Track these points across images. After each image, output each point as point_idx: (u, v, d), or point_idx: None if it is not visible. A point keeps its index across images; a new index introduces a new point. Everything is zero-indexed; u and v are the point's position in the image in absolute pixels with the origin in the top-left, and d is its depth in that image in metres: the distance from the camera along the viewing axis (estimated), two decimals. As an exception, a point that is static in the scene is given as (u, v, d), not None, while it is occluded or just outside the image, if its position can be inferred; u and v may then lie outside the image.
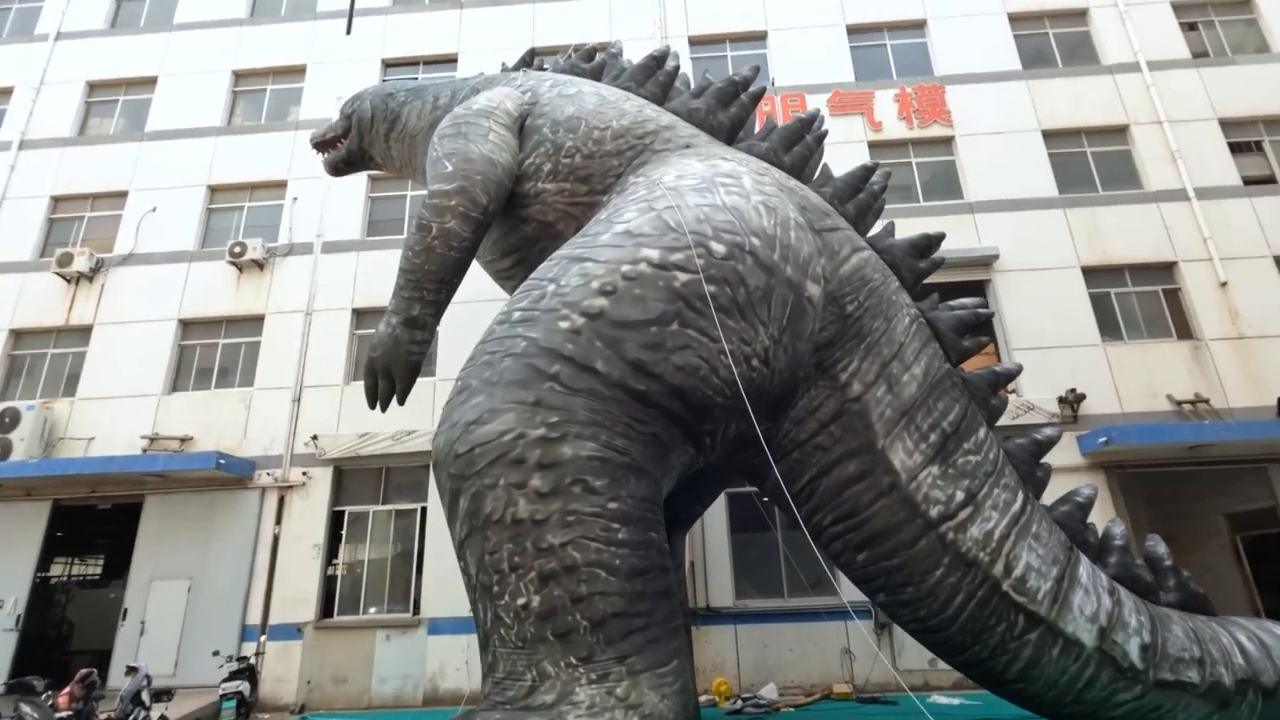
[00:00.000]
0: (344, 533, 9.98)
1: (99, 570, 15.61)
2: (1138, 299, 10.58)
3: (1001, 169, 11.34)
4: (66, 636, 12.45)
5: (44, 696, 5.85)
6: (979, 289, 10.55)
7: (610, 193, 5.22)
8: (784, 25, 12.85)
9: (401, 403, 5.29)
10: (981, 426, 4.72)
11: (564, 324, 3.75)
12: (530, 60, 7.16)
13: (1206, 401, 9.54)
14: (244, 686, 7.63)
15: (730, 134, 5.75)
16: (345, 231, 11.76)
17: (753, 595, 9.29)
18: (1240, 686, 4.26)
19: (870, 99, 11.97)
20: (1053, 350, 10.02)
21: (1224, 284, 10.33)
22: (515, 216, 5.57)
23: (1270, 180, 11.18)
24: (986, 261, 10.59)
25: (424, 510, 9.87)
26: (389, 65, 13.34)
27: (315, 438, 10.09)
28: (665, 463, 3.96)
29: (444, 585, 9.23)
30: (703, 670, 8.64)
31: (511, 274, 6.05)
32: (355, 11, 13.69)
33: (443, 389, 9.88)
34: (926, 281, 5.15)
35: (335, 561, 9.89)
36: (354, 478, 10.28)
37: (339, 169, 7.63)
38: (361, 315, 11.19)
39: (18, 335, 11.46)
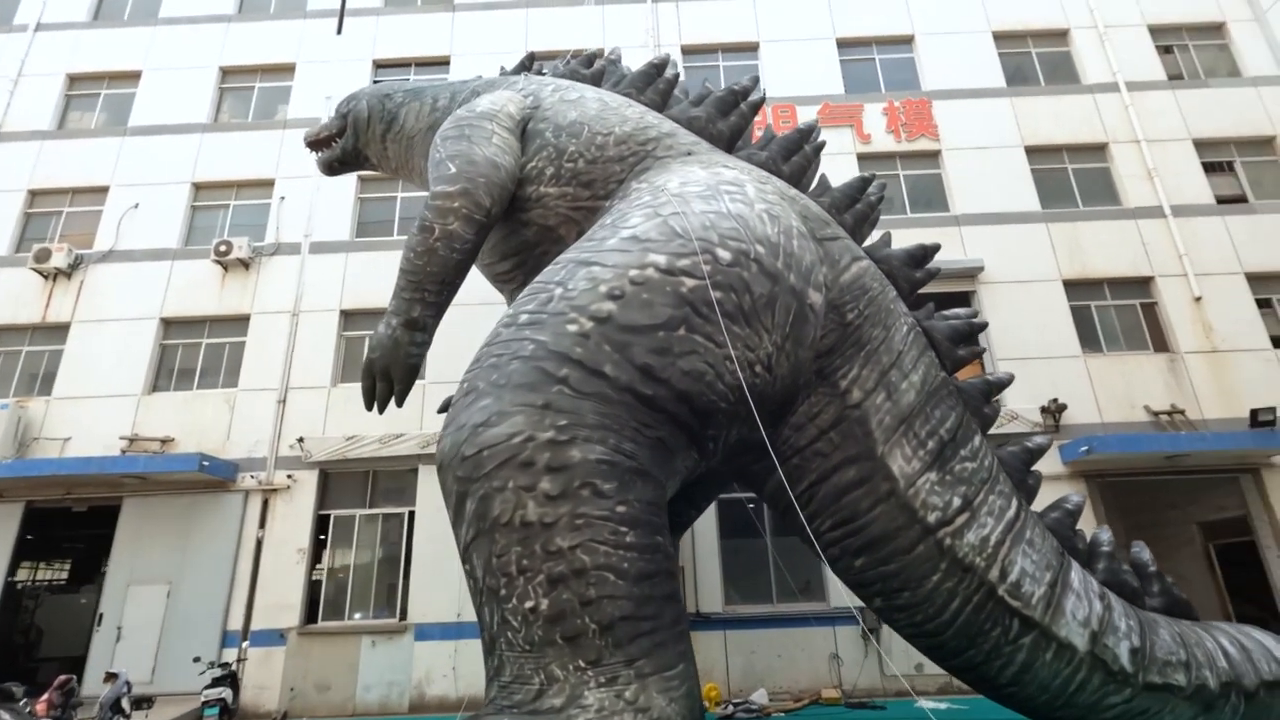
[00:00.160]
0: (329, 537, 9.83)
1: (69, 574, 15.15)
2: (1116, 312, 10.88)
3: (986, 183, 11.61)
4: (34, 643, 12.05)
5: (22, 703, 5.66)
6: (964, 300, 10.77)
7: (612, 198, 5.25)
8: (775, 37, 13.04)
9: (400, 405, 5.25)
10: (977, 434, 4.82)
11: (572, 327, 3.75)
12: (529, 64, 7.18)
13: (1182, 413, 9.83)
14: (226, 694, 7.45)
15: (729, 142, 5.82)
16: (333, 232, 11.63)
17: (742, 601, 9.33)
18: (1224, 689, 4.38)
19: (859, 112, 12.19)
20: (1035, 361, 10.25)
21: (1198, 299, 10.67)
22: (516, 220, 5.56)
23: (1242, 200, 11.59)
24: (972, 273, 10.82)
25: (411, 514, 9.76)
26: (380, 66, 13.27)
27: (301, 440, 9.93)
28: (670, 467, 3.97)
29: (431, 591, 9.14)
30: (692, 676, 8.62)
31: (510, 277, 6.04)
32: (346, 11, 13.59)
33: (432, 392, 9.80)
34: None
35: (320, 566, 9.72)
36: (340, 481, 10.13)
37: (333, 168, 7.56)
38: (349, 317, 11.07)
39: (-9, 332, 11.14)
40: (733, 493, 8.37)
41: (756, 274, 4.17)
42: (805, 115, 11.91)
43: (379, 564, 9.67)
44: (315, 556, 9.74)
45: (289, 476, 9.86)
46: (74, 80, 13.31)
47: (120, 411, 10.26)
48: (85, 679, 8.47)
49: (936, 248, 5.50)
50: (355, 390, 10.46)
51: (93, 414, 10.25)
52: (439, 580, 9.20)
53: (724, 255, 4.13)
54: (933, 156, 11.92)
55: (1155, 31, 12.88)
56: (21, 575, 14.09)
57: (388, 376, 5.07)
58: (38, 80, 13.11)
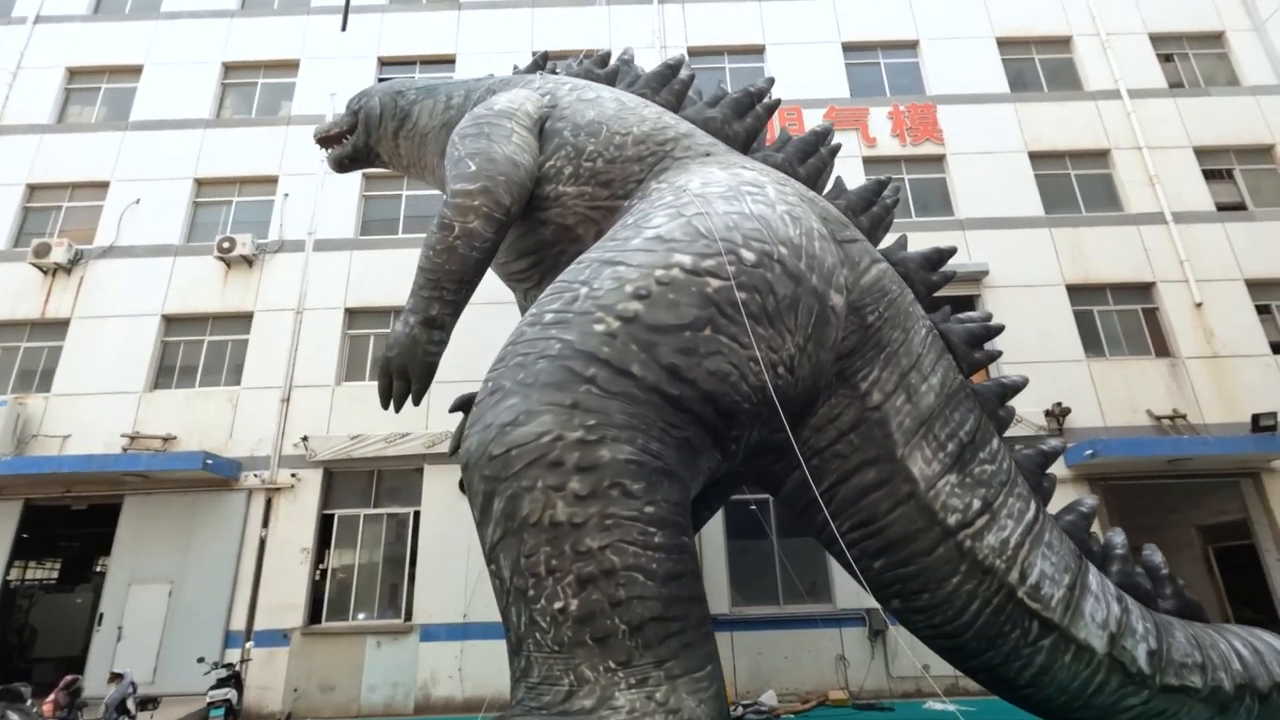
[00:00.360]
0: (333, 536, 9.75)
1: (70, 573, 14.99)
2: (1119, 317, 10.97)
3: (990, 188, 11.68)
4: (28, 643, 11.87)
5: (29, 704, 5.59)
6: (969, 304, 10.83)
7: (631, 198, 5.25)
8: (781, 40, 13.08)
9: (416, 404, 5.22)
10: (994, 437, 4.84)
11: (599, 327, 3.74)
12: (543, 63, 7.17)
13: (1184, 417, 9.91)
14: (231, 694, 7.38)
15: (745, 144, 5.83)
16: (338, 230, 11.56)
17: (749, 602, 9.33)
18: (1239, 691, 4.42)
19: (865, 115, 12.23)
20: (1039, 365, 10.31)
21: (1199, 305, 10.77)
22: (533, 219, 5.55)
23: (1241, 207, 11.72)
24: (977, 277, 10.88)
25: (416, 514, 9.71)
26: (385, 64, 13.21)
27: (305, 439, 9.86)
28: (695, 467, 3.97)
29: (437, 591, 9.09)
30: (698, 677, 8.61)
31: (525, 276, 6.02)
32: (351, 8, 13.54)
33: (439, 392, 9.71)
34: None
35: (324, 566, 9.65)
36: (344, 480, 10.06)
37: (343, 165, 7.51)
38: (354, 315, 11.01)
39: (-11, 327, 11.00)
40: (739, 494, 8.38)
41: (780, 275, 4.18)
42: (811, 118, 11.95)
43: (384, 564, 9.62)
44: (319, 556, 9.66)
45: (293, 475, 9.78)
46: (74, 74, 13.18)
47: (121, 409, 10.15)
48: (85, 679, 8.35)
49: (952, 251, 5.53)
50: (360, 389, 10.43)
51: (93, 411, 10.14)
52: (445, 581, 9.15)
53: (748, 256, 4.13)
54: (937, 160, 11.99)
55: (1156, 40, 13.01)
56: (15, 574, 13.93)
57: (405, 375, 5.04)
58: (37, 73, 12.98)
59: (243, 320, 10.87)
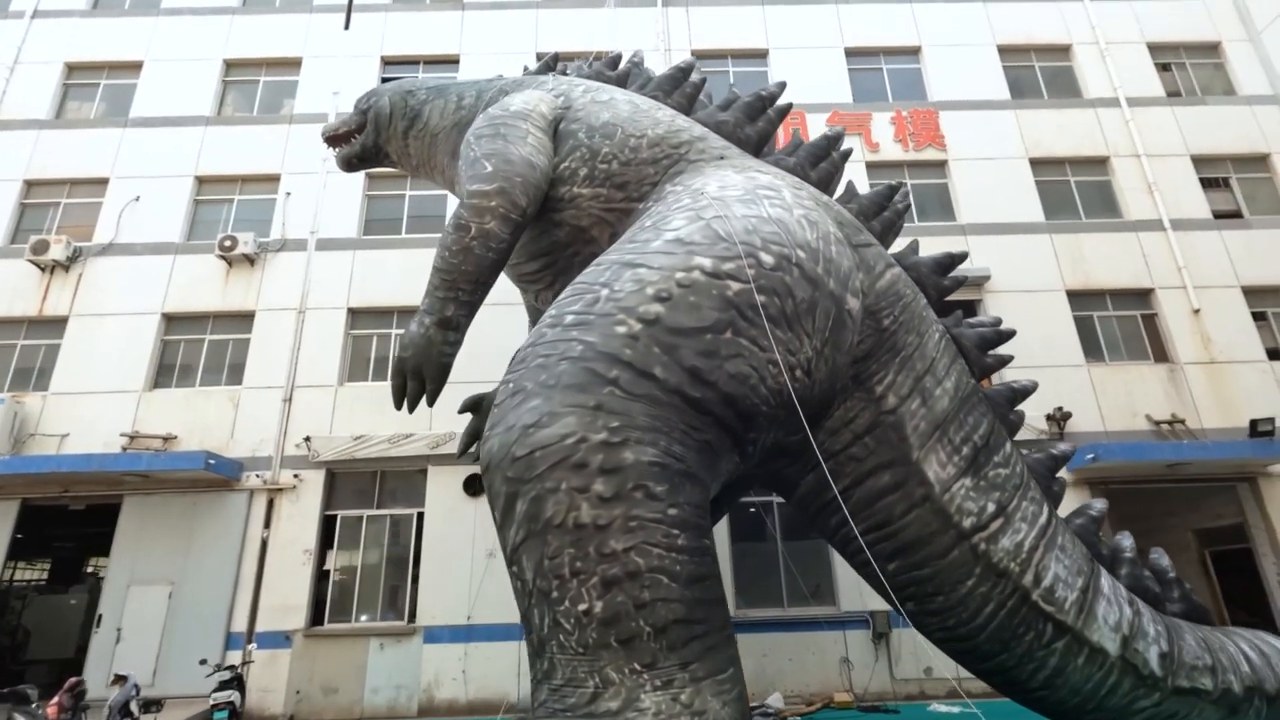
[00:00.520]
0: (336, 538, 9.69)
1: (60, 574, 14.82)
2: (1118, 322, 11.07)
3: (992, 193, 11.78)
4: (21, 645, 11.73)
5: (34, 706, 5.52)
6: (971, 308, 10.90)
7: (646, 200, 5.25)
8: (785, 45, 13.14)
9: (430, 404, 5.20)
10: (1007, 441, 4.88)
11: (621, 329, 3.74)
12: (553, 65, 7.17)
13: (1182, 422, 10.02)
14: (235, 696, 7.31)
15: (756, 147, 5.86)
16: (341, 229, 11.51)
17: (753, 605, 9.35)
18: (1248, 693, 4.47)
19: (868, 120, 12.31)
20: (1040, 369, 10.36)
21: (1197, 311, 10.89)
22: (547, 220, 5.55)
23: (1237, 215, 11.87)
24: (979, 282, 10.96)
25: (420, 515, 9.67)
26: (388, 63, 13.17)
27: (308, 439, 9.80)
28: (715, 470, 3.98)
29: (440, 593, 9.06)
30: (702, 680, 8.62)
31: (538, 278, 6.01)
32: (354, 7, 13.52)
33: (444, 392, 9.70)
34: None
35: (326, 567, 9.58)
36: (347, 481, 10.00)
37: (352, 164, 7.48)
38: (357, 315, 10.96)
39: (-15, 324, 10.88)
40: (745, 497, 8.39)
41: (798, 279, 4.19)
42: (814, 122, 12.01)
43: (387, 565, 9.56)
44: (321, 557, 9.60)
45: (295, 476, 9.71)
46: (72, 69, 13.07)
47: (120, 408, 10.06)
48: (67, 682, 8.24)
49: (964, 256, 5.58)
50: (363, 389, 10.38)
51: (91, 410, 10.04)
52: (448, 582, 9.12)
53: (767, 259, 4.14)
54: (939, 166, 12.07)
55: (1154, 49, 13.16)
56: (11, 575, 13.77)
57: (419, 375, 5.03)
58: (35, 68, 12.86)
59: (244, 319, 10.80)
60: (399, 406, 5.14)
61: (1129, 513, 11.08)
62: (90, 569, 16.82)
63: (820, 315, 4.23)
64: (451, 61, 13.07)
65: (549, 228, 5.56)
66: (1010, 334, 5.39)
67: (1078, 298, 11.06)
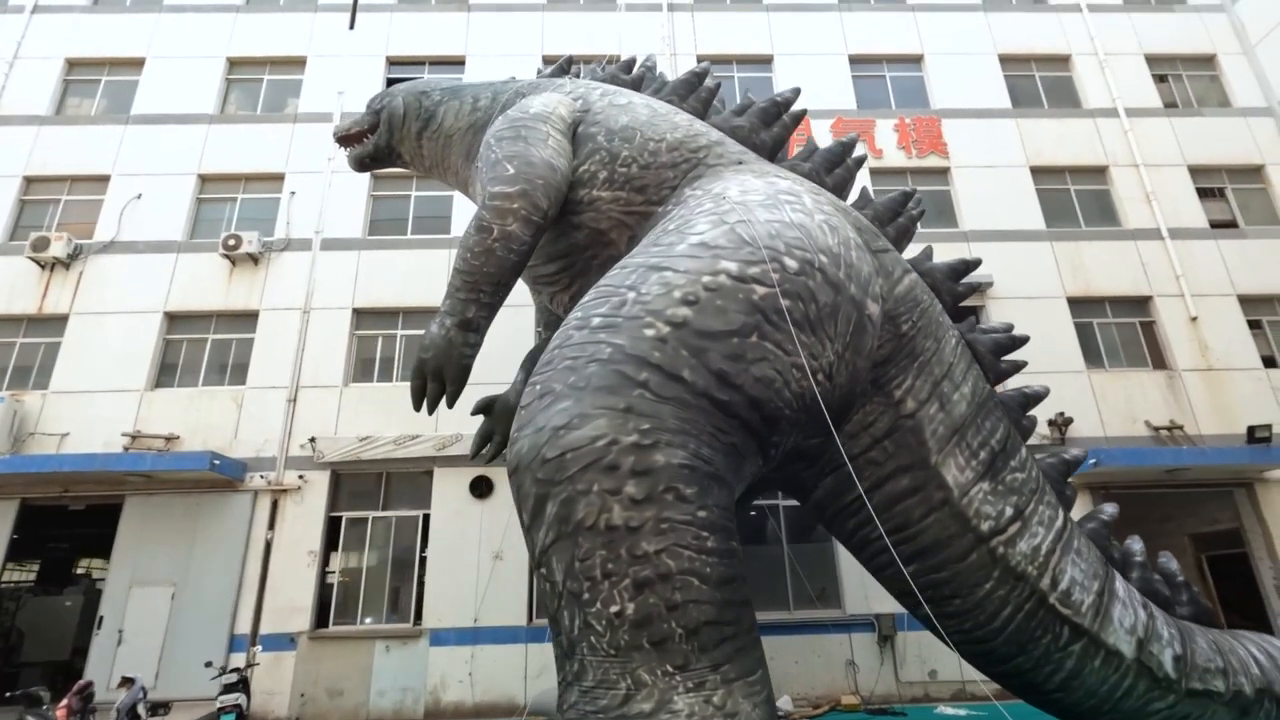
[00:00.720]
0: (341, 539, 9.64)
1: (49, 575, 14.62)
2: (1117, 330, 11.22)
3: (993, 201, 11.91)
4: (15, 647, 11.55)
5: (45, 708, 5.45)
6: (974, 315, 10.97)
7: (666, 204, 5.28)
8: (789, 51, 13.24)
9: (450, 406, 5.20)
10: (1022, 445, 4.94)
11: (649, 331, 3.76)
12: (568, 68, 7.20)
13: (1180, 428, 10.16)
14: (241, 699, 7.24)
15: (771, 153, 5.92)
16: (346, 229, 11.47)
17: (759, 608, 9.30)
18: (1258, 695, 4.54)
19: (871, 127, 12.41)
20: (1041, 375, 10.44)
21: (1194, 319, 11.05)
22: (566, 223, 5.56)
23: (1233, 225, 12.06)
24: (981, 288, 11.06)
25: (426, 517, 9.63)
26: (394, 63, 13.15)
27: (313, 440, 9.75)
28: (740, 473, 4.01)
29: (447, 595, 9.03)
30: (708, 683, 8.64)
31: (555, 280, 6.02)
32: (359, 7, 13.51)
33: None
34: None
35: (331, 569, 9.52)
36: (352, 482, 9.95)
37: (364, 164, 7.47)
38: (362, 316, 10.92)
39: (-17, 322, 10.75)
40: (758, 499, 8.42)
41: (821, 283, 4.23)
42: (818, 128, 12.09)
43: (392, 567, 9.52)
44: (326, 559, 9.54)
45: (300, 477, 9.65)
46: (73, 65, 12.96)
47: (121, 407, 9.96)
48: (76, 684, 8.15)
49: (978, 262, 5.66)
50: (368, 390, 10.34)
51: (92, 409, 9.94)
52: (455, 584, 9.09)
53: (791, 264, 4.18)
54: (942, 173, 12.19)
55: (1151, 61, 13.37)
56: (4, 576, 13.58)
57: (439, 377, 5.02)
58: (35, 64, 12.74)
59: (248, 319, 10.73)
60: (418, 408, 5.12)
61: (1126, 517, 11.13)
62: (81, 570, 16.62)
63: (842, 320, 4.27)
64: (457, 63, 13.07)
65: (567, 230, 5.57)
66: (1024, 340, 5.46)
67: (1078, 305, 11.19)
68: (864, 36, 13.36)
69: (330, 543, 9.63)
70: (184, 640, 8.67)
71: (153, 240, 11.24)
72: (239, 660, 8.42)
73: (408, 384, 10.21)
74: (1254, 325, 11.18)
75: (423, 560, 9.39)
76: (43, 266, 10.90)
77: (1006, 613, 4.44)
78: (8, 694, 5.29)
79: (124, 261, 11.05)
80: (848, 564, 9.34)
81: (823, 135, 11.76)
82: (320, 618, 9.17)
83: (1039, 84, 13.24)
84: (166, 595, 8.90)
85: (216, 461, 8.92)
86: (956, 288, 5.47)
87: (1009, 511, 4.55)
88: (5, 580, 14.61)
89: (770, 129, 5.98)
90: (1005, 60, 13.25)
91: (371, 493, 9.89)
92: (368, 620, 9.23)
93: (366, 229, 11.59)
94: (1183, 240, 11.63)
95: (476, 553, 9.23)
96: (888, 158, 12.21)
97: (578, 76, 7.00)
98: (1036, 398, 5.44)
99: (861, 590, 9.12)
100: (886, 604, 8.96)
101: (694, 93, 6.14)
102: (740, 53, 13.22)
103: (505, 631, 8.90)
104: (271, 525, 9.40)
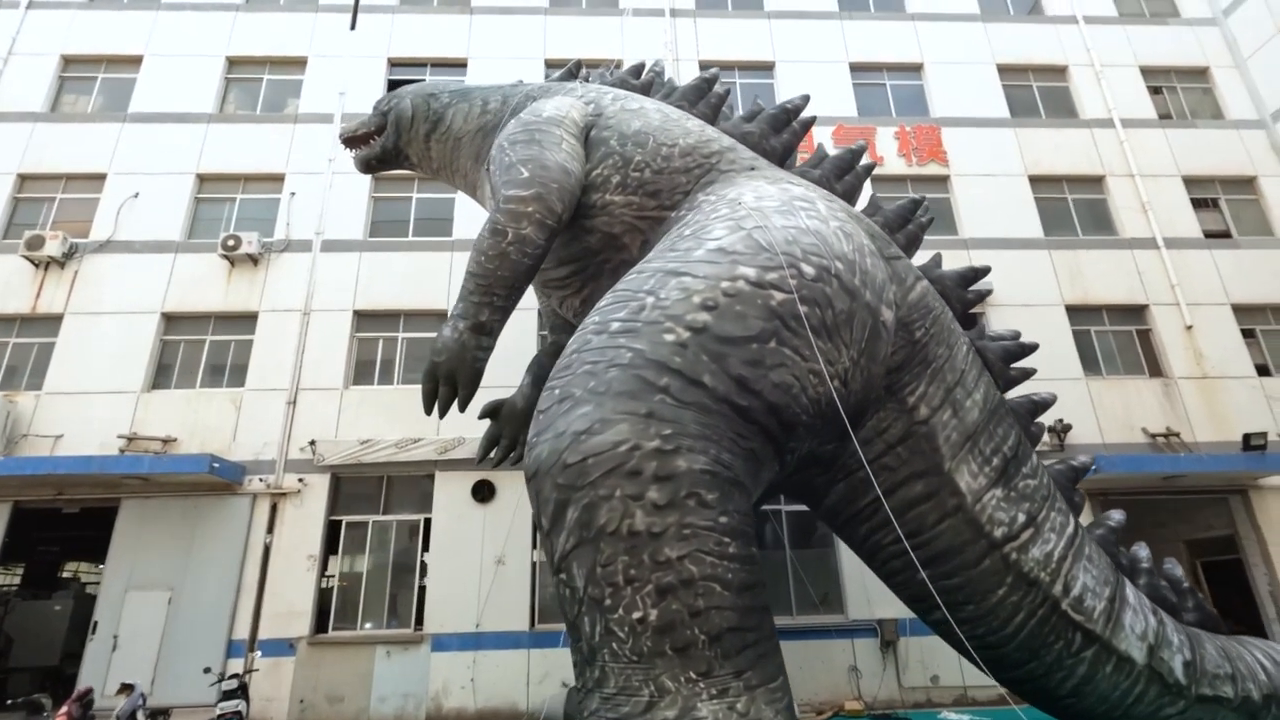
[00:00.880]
0: (341, 543, 9.54)
1: (35, 579, 14.39)
2: (1114, 337, 11.34)
3: (993, 209, 12.02)
4: (4, 652, 11.34)
5: (46, 714, 5.34)
6: (973, 322, 11.06)
7: (679, 208, 5.29)
8: (790, 58, 13.32)
9: (462, 410, 5.16)
10: (1033, 452, 4.97)
11: (669, 336, 3.75)
12: (576, 72, 7.20)
13: (1177, 435, 10.27)
14: (241, 706, 7.14)
15: (781, 159, 5.94)
16: (346, 231, 11.40)
17: (761, 613, 9.34)
18: (1266, 701, 4.59)
19: (872, 134, 12.50)
20: (1040, 383, 10.53)
21: (1189, 327, 11.19)
22: (579, 227, 5.55)
23: (1227, 235, 12.23)
24: (982, 296, 11.14)
25: (428, 521, 9.55)
26: (395, 65, 13.10)
27: (313, 443, 9.66)
28: (758, 478, 4.01)
29: (448, 600, 8.96)
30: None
31: (565, 284, 6.01)
32: (361, 8, 13.45)
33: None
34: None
35: (331, 574, 9.43)
36: (353, 486, 9.86)
37: (370, 166, 7.42)
38: (363, 318, 10.84)
39: (-25, 321, 10.59)
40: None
41: (837, 290, 4.24)
42: (819, 135, 12.14)
43: (394, 572, 9.43)
44: (325, 563, 9.44)
45: (300, 480, 9.56)
46: (69, 61, 12.83)
47: (117, 409, 9.83)
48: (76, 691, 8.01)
49: (986, 269, 5.71)
50: (369, 393, 10.27)
51: (87, 411, 9.80)
52: (457, 589, 9.02)
53: (808, 270, 4.19)
54: (942, 181, 12.30)
55: (1146, 72, 13.56)
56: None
57: (451, 380, 4.97)
58: (30, 59, 12.59)
59: (247, 320, 10.63)
60: (429, 411, 5.08)
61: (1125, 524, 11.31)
62: (69, 574, 16.37)
63: (857, 326, 4.28)
64: (459, 65, 13.05)
65: (580, 234, 5.56)
66: (1033, 347, 5.50)
67: (1076, 313, 11.31)
68: (865, 45, 13.47)
69: (330, 547, 9.53)
70: (181, 646, 8.54)
71: (150, 240, 11.12)
72: (237, 666, 8.32)
73: (409, 387, 10.34)
74: (1248, 334, 11.33)
75: (424, 565, 9.31)
76: (37, 265, 10.75)
77: (1019, 619, 4.45)
78: (9, 701, 5.17)
79: (121, 261, 10.92)
80: (850, 569, 9.36)
81: (824, 142, 11.82)
82: (320, 623, 9.07)
83: (1036, 94, 13.40)
84: (163, 600, 8.77)
85: (216, 464, 8.81)
86: (966, 295, 5.52)
87: (1022, 518, 4.57)
88: (11, 584, 14.40)
89: (780, 135, 6.00)
90: (1003, 70, 13.40)
91: (372, 496, 9.81)
92: (368, 625, 9.14)
93: (367, 231, 11.52)
94: (1178, 250, 11.78)
95: (479, 558, 9.16)
96: (888, 165, 12.30)
97: (586, 81, 7.00)
98: (1045, 405, 5.48)
99: (864, 595, 9.14)
100: (889, 609, 8.99)
101: (704, 98, 6.15)
102: (742, 59, 13.28)
103: (508, 637, 8.84)
104: (270, 529, 9.29)
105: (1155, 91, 13.53)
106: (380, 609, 9.25)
